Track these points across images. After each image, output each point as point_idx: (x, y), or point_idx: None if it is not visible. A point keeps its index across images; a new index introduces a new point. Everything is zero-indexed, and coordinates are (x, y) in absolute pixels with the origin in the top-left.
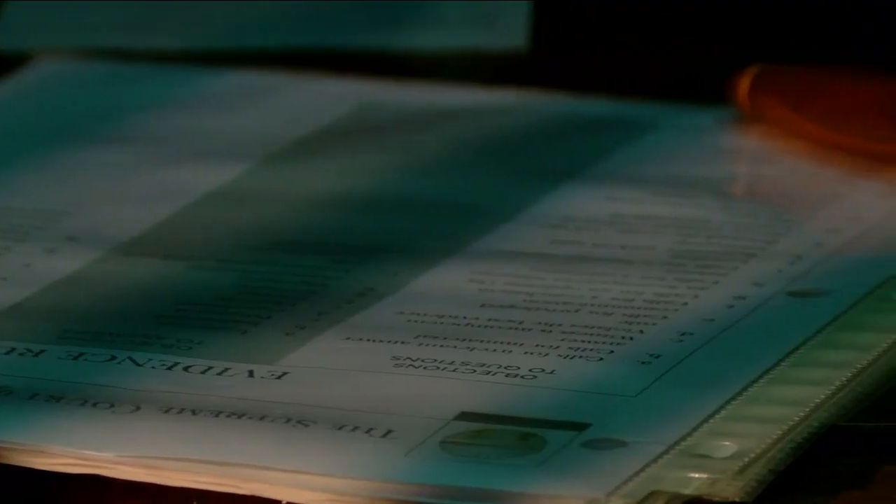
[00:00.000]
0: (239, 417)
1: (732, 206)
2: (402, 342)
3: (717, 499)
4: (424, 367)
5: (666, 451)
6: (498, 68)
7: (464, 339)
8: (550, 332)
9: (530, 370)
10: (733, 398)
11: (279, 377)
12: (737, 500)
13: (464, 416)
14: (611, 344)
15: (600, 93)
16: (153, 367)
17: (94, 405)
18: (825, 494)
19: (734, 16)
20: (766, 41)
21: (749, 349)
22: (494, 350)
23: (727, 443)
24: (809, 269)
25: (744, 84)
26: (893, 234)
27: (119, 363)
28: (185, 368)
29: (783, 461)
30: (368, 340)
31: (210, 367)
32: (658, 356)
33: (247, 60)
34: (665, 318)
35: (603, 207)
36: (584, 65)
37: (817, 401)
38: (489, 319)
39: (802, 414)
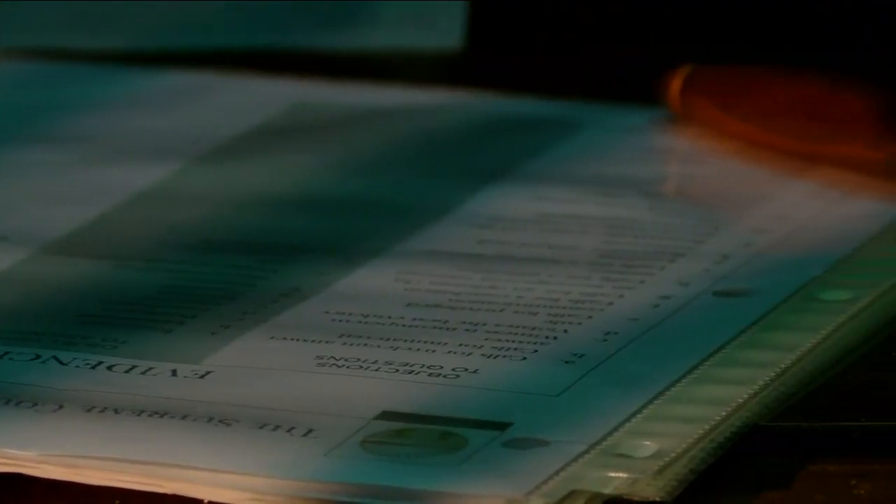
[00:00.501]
0: (161, 416)
1: (661, 206)
2: (327, 342)
3: (636, 498)
4: (347, 367)
5: (586, 451)
6: (433, 68)
7: (388, 339)
8: (475, 331)
9: (453, 369)
10: (655, 398)
11: (202, 376)
12: (657, 499)
13: (385, 415)
14: (535, 343)
15: (534, 93)
16: (77, 367)
17: (18, 404)
18: (747, 494)
19: (666, 16)
20: (697, 41)
21: (673, 349)
22: (418, 349)
23: (648, 442)
24: (736, 268)
25: (675, 84)
26: (821, 234)
27: (43, 362)
28: (109, 367)
29: (704, 460)
30: (293, 340)
31: (134, 367)
32: (582, 355)
33: (182, 60)
34: (590, 317)
35: (531, 207)
36: (519, 65)
37: (740, 400)
38: (414, 319)
39: (724, 413)
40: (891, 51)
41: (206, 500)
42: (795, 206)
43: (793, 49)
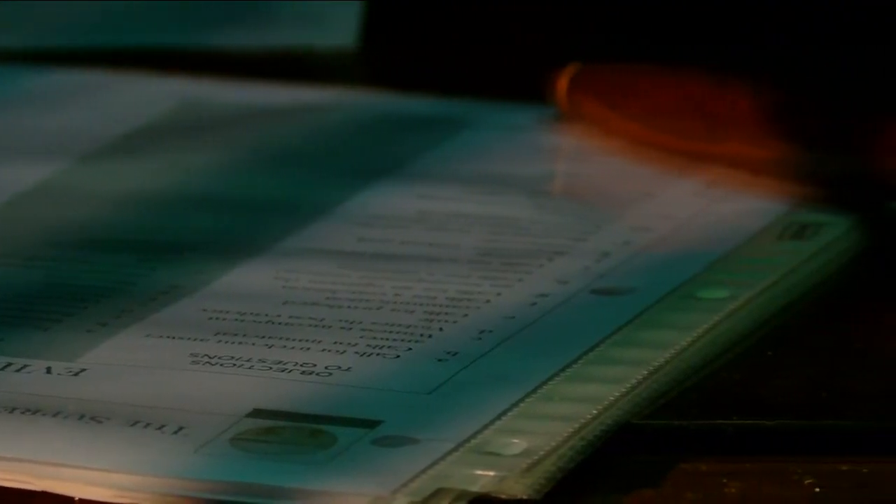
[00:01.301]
0: (34, 414)
1: (544, 205)
2: (202, 339)
3: (504, 496)
4: (221, 365)
5: (455, 449)
6: (327, 67)
7: (263, 337)
8: (350, 329)
9: (326, 367)
10: (527, 396)
11: (76, 374)
12: (524, 497)
13: (256, 413)
14: (409, 341)
15: (425, 91)
16: None
17: None
18: (617, 492)
19: (556, 15)
20: (586, 39)
21: (548, 346)
22: (292, 347)
23: (517, 440)
24: (615, 266)
25: (562, 83)
26: (702, 232)
27: None
28: None
29: (574, 459)
30: (168, 338)
31: (9, 364)
32: (455, 353)
33: (72, 59)
34: (466, 315)
35: (413, 205)
36: (413, 63)
37: (611, 398)
38: (290, 317)
39: (595, 411)
40: (777, 48)
41: (76, 498)
42: (678, 205)
43: (680, 47)
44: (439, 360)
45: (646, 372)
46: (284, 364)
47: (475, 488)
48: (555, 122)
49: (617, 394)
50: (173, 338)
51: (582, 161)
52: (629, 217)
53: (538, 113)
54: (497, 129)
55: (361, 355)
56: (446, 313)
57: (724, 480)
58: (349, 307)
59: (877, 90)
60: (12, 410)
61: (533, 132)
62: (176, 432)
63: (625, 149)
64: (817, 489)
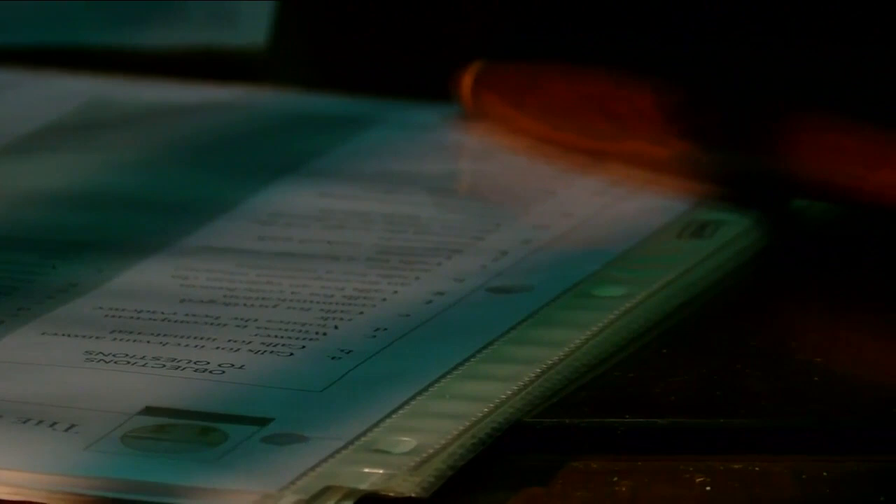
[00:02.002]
0: None
1: (444, 203)
2: (97, 337)
3: (392, 494)
4: (115, 362)
5: (344, 447)
6: (236, 65)
7: (158, 335)
8: (245, 327)
9: (219, 365)
10: (419, 394)
11: None
12: (413, 495)
13: (148, 410)
14: (304, 339)
15: (334, 90)
16: None
17: None
18: (508, 490)
19: (461, 13)
20: (491, 37)
21: (442, 345)
22: (187, 345)
23: (407, 438)
24: (513, 265)
25: (466, 81)
26: (601, 230)
27: None
28: None
29: (464, 457)
30: (64, 335)
31: None
32: (349, 352)
33: None
34: (361, 313)
35: (314, 203)
36: (322, 62)
37: (503, 397)
38: (186, 315)
39: (486, 410)
40: (678, 46)
41: None
42: (578, 203)
43: (584, 45)
44: (333, 359)
45: (538, 370)
46: (178, 362)
47: (363, 486)
48: (459, 120)
49: (509, 392)
50: (69, 335)
51: (484, 159)
52: (530, 215)
53: (442, 111)
54: (401, 128)
55: (255, 353)
56: (342, 311)
57: (615, 479)
58: (245, 305)
59: (777, 88)
60: None
61: (437, 130)
62: (68, 430)
63: (527, 147)
64: (708, 488)
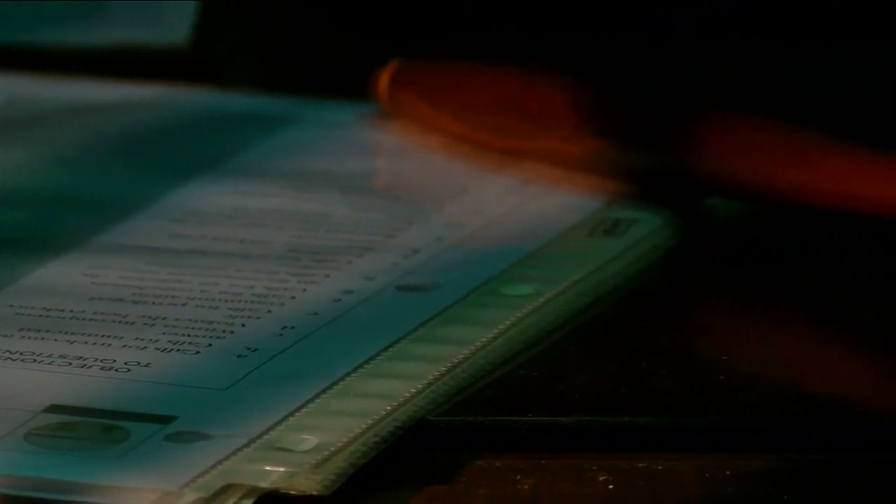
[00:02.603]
0: None
1: (357, 201)
2: (5, 335)
3: (294, 492)
4: (22, 360)
5: (246, 445)
6: (159, 63)
7: (66, 333)
8: (153, 325)
9: (126, 363)
10: (323, 392)
11: None
12: (314, 493)
13: (53, 408)
14: (211, 337)
15: (252, 88)
16: None
17: None
18: (410, 488)
19: (379, 11)
20: (408, 36)
21: (349, 343)
22: (94, 343)
23: (309, 436)
24: (424, 263)
25: (383, 79)
26: (513, 228)
27: None
28: None
29: (365, 455)
30: None
31: None
32: (256, 350)
33: None
34: (270, 311)
35: (228, 201)
36: (242, 61)
37: (407, 395)
38: (95, 313)
39: (389, 408)
40: (593, 45)
41: None
42: (491, 202)
43: (500, 42)
44: (239, 357)
45: (443, 368)
46: (84, 360)
47: (265, 484)
48: (376, 118)
49: (412, 390)
50: None
51: (400, 157)
52: (443, 213)
53: (359, 110)
54: (318, 126)
55: (162, 351)
56: (251, 309)
57: (518, 477)
58: (154, 303)
59: (691, 86)
60: None
61: (353, 129)
62: None
63: (443, 145)
64: (611, 486)
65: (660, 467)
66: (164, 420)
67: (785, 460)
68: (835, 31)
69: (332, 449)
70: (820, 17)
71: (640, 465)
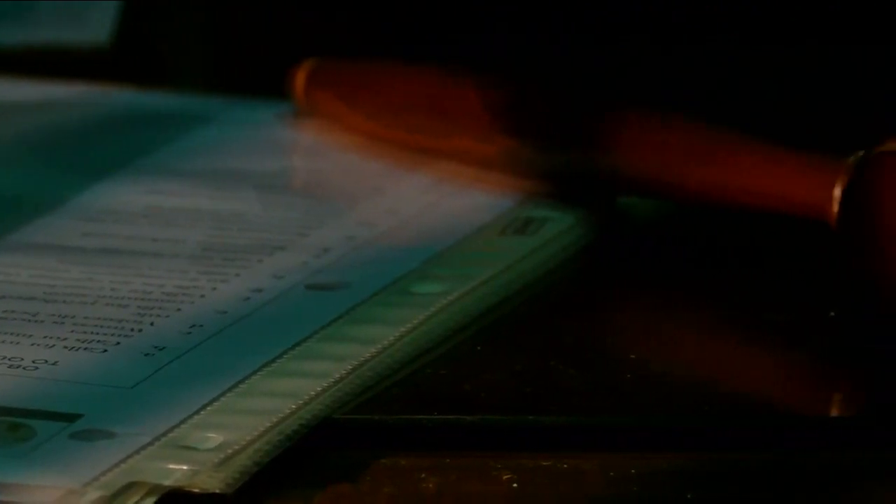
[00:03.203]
0: None
1: (272, 200)
2: None
3: (197, 490)
4: None
5: (150, 443)
6: (81, 63)
7: None
8: (63, 323)
9: (33, 361)
10: (228, 390)
11: None
12: (217, 491)
13: None
14: (119, 336)
15: (172, 87)
16: None
17: None
18: (315, 487)
19: (297, 9)
20: (325, 34)
21: (256, 342)
22: (3, 341)
23: (213, 434)
24: (334, 261)
25: (299, 78)
26: (425, 227)
27: None
28: None
29: (270, 453)
30: None
31: None
32: (163, 348)
33: None
34: (179, 310)
35: (142, 200)
36: (164, 60)
37: (312, 393)
38: (5, 311)
39: (294, 406)
40: (506, 43)
41: None
42: (404, 201)
43: (417, 41)
44: (146, 355)
45: (350, 367)
46: None
47: (168, 482)
48: (292, 117)
49: (318, 388)
50: None
51: (315, 156)
52: (356, 213)
53: (276, 108)
54: (235, 125)
55: (70, 349)
56: (159, 308)
57: (423, 475)
58: (65, 302)
59: (603, 86)
60: None
61: (270, 128)
62: None
63: (358, 144)
64: (515, 485)
65: (564, 466)
66: (70, 418)
67: (690, 459)
68: (748, 30)
69: (236, 447)
70: (732, 16)
71: (545, 463)
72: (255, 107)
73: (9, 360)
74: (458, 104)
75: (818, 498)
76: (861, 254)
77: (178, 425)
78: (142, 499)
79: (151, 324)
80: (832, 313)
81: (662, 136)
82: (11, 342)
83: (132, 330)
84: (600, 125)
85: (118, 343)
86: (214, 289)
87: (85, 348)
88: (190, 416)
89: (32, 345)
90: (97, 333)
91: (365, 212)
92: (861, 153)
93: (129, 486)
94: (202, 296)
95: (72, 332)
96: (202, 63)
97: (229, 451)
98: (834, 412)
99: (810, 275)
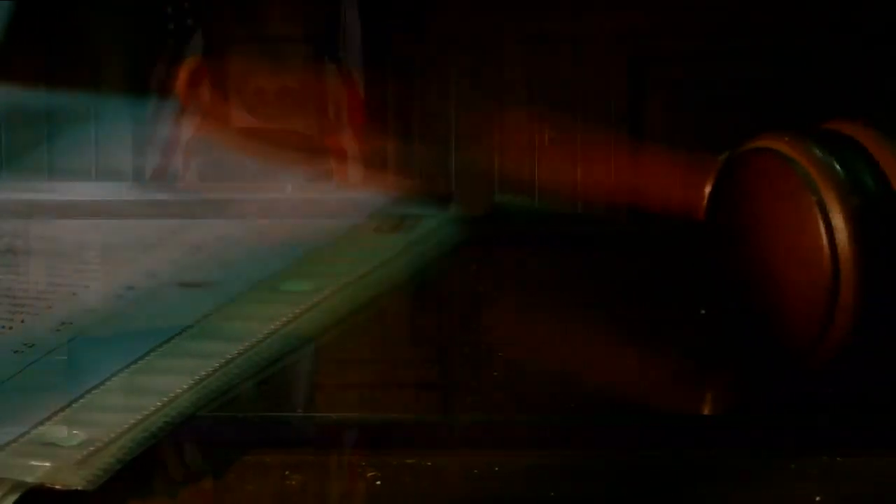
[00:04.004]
0: None
1: (149, 197)
2: None
3: (59, 486)
4: None
5: (14, 440)
6: None
7: None
8: None
9: None
10: (95, 387)
11: None
12: (79, 487)
13: None
14: None
15: (49, 86)
16: None
17: None
18: (178, 484)
19: (176, 8)
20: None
21: (126, 339)
22: None
23: (77, 431)
24: (207, 259)
25: (181, 76)
26: (299, 225)
27: None
28: None
29: (134, 450)
30: None
31: None
32: (32, 345)
33: None
34: (50, 307)
35: (25, 199)
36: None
37: (178, 390)
38: None
39: (160, 404)
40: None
41: None
42: (279, 198)
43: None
44: (15, 352)
45: (216, 364)
46: None
47: (31, 479)
48: (174, 113)
49: (184, 386)
50: None
51: (191, 153)
52: (229, 209)
53: (158, 104)
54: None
55: None
56: (31, 305)
57: (287, 472)
58: None
59: (485, 85)
60: None
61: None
62: None
63: (237, 140)
64: (378, 482)
65: (428, 464)
66: None
67: (553, 457)
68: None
69: (100, 444)
70: None
71: (409, 461)
72: (137, 104)
73: None
74: (335, 100)
75: (683, 494)
76: (726, 246)
77: (42, 422)
78: (4, 495)
79: (22, 321)
80: (702, 311)
81: (539, 136)
82: None
83: (3, 327)
84: (477, 124)
85: None
86: (87, 287)
87: None
88: (55, 413)
89: None
90: None
91: (238, 209)
92: (727, 153)
93: None
94: (74, 294)
95: None
96: (81, 63)
97: (92, 448)
98: (700, 411)
99: (682, 273)
